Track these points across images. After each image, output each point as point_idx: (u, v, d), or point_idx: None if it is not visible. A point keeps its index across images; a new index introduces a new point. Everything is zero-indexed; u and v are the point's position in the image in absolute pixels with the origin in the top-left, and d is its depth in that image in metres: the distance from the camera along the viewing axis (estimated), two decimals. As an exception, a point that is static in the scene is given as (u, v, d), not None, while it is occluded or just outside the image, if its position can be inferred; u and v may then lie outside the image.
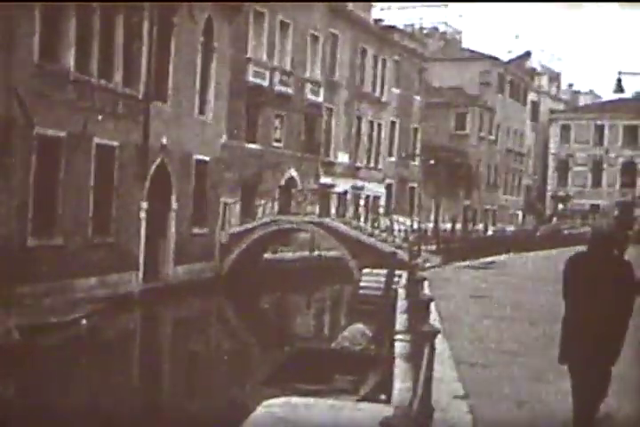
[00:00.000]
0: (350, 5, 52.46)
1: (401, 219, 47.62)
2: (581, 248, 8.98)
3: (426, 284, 19.25)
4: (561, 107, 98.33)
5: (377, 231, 40.35)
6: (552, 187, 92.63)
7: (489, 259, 37.18)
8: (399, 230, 42.80)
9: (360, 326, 20.73)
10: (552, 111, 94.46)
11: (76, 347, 21.32)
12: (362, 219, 47.13)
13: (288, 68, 44.38)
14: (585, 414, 8.45)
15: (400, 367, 10.78)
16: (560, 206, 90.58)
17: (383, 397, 11.99)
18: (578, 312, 8.46)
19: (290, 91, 44.13)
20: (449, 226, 62.78)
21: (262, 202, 41.04)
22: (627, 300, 8.39)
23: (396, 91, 59.60)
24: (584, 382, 8.42)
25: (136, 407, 17.55)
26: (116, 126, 29.22)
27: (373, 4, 59.24)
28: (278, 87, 43.02)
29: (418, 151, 64.20)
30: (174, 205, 33.34)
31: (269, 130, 43.38)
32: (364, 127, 55.20)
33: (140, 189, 30.88)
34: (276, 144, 43.94)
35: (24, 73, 24.49)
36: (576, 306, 8.49)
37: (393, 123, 59.70)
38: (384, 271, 27.01)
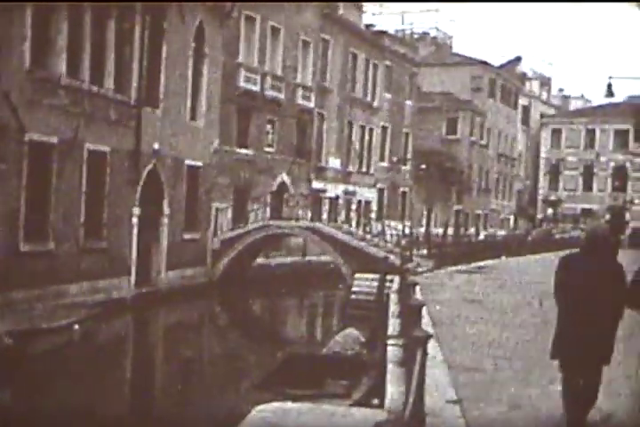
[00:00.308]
0: (341, 10, 52.55)
1: (392, 223, 47.72)
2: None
3: (418, 288, 19.31)
4: (552, 111, 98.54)
5: (369, 236, 40.39)
6: (543, 191, 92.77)
7: (481, 263, 37.22)
8: (391, 235, 42.84)
9: (352, 330, 20.74)
10: (543, 116, 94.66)
11: (68, 352, 21.30)
12: (353, 224, 47.20)
13: (279, 73, 44.42)
14: (577, 412, 8.56)
15: (392, 372, 10.79)
16: (549, 211, 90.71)
17: (376, 401, 12.01)
18: (569, 311, 8.62)
19: (281, 96, 44.15)
20: (440, 230, 62.86)
21: (254, 207, 41.06)
22: (617, 300, 8.52)
23: (387, 96, 59.67)
24: (575, 376, 8.57)
25: (129, 413, 17.56)
26: (108, 132, 29.22)
27: (364, 9, 59.40)
28: (269, 92, 43.05)
29: (409, 156, 64.30)
30: (166, 210, 33.33)
31: (261, 135, 43.39)
32: (356, 132, 55.23)
33: (131, 195, 30.87)
34: (267, 149, 43.94)
35: (15, 79, 24.50)
36: (567, 305, 8.62)
37: (384, 128, 59.75)
38: (376, 276, 27.06)
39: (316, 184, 49.18)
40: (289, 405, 9.29)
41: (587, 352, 8.55)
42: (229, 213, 39.57)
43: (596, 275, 8.52)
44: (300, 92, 46.56)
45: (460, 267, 34.60)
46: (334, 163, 52.08)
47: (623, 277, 8.64)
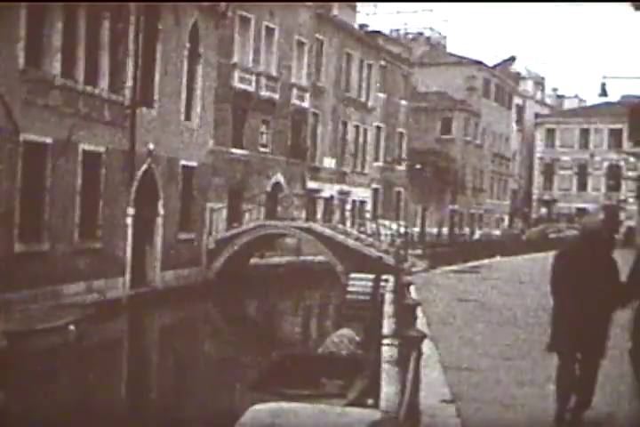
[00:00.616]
0: (335, 11, 52.57)
1: (387, 223, 47.73)
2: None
3: (412, 288, 19.32)
4: (546, 111, 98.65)
5: (363, 236, 40.39)
6: (538, 191, 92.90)
7: (475, 263, 37.20)
8: (385, 235, 42.86)
9: (347, 330, 20.75)
10: (537, 115, 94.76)
11: (63, 353, 21.28)
12: (348, 224, 47.21)
13: (274, 73, 44.43)
14: (568, 403, 8.67)
15: (387, 372, 10.81)
16: (543, 210, 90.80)
17: (371, 401, 12.02)
18: (565, 305, 8.77)
19: (276, 96, 44.16)
20: (435, 230, 62.91)
21: (249, 207, 41.06)
22: (611, 294, 8.63)
23: (381, 96, 59.73)
24: (571, 364, 8.67)
25: (124, 414, 17.55)
26: (103, 132, 29.21)
27: (358, 9, 59.47)
28: (264, 93, 43.06)
29: (404, 156, 64.35)
30: (161, 210, 33.32)
31: (256, 135, 43.39)
32: (350, 132, 55.28)
33: (126, 195, 30.87)
34: (262, 149, 43.95)
35: (9, 79, 24.47)
36: (563, 299, 8.75)
37: (379, 128, 59.81)
38: (371, 276, 27.05)
39: (311, 184, 49.21)
40: (284, 405, 9.28)
41: (582, 346, 8.66)
42: (224, 214, 39.58)
43: (591, 269, 8.65)
44: (294, 92, 46.57)
45: (454, 267, 34.60)
46: (329, 163, 52.13)
47: (617, 271, 8.78)
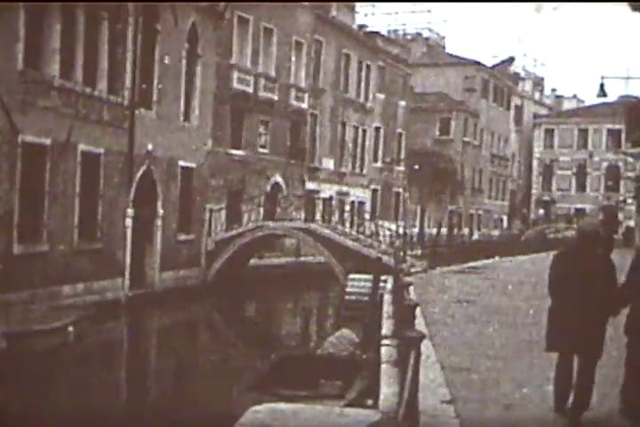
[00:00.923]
0: (334, 11, 52.56)
1: (386, 224, 47.70)
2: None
3: (411, 289, 19.32)
4: (545, 111, 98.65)
5: (362, 237, 40.37)
6: (537, 191, 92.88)
7: (474, 263, 37.16)
8: (384, 236, 42.84)
9: (346, 331, 20.75)
10: (536, 116, 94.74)
11: (62, 354, 21.28)
12: (347, 224, 47.17)
13: (272, 74, 44.40)
14: (566, 401, 8.72)
15: (386, 373, 10.79)
16: (541, 211, 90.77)
17: (370, 402, 12.02)
18: (562, 306, 8.83)
19: (274, 97, 44.12)
20: (434, 231, 62.88)
21: (248, 208, 41.03)
22: (607, 296, 8.65)
23: (380, 96, 59.71)
24: (569, 361, 8.73)
25: (123, 415, 17.55)
26: (102, 133, 29.21)
27: (357, 9, 59.47)
28: (263, 93, 43.02)
29: (403, 156, 64.34)
30: (160, 211, 33.32)
31: (254, 136, 43.36)
32: (349, 133, 55.25)
33: (125, 196, 30.87)
34: (261, 150, 43.92)
35: (8, 80, 24.48)
36: (561, 300, 8.80)
37: (377, 128, 59.79)
38: (370, 277, 27.04)
39: (310, 185, 49.20)
40: (283, 406, 9.29)
41: (578, 346, 8.70)
42: (223, 214, 39.55)
43: (589, 270, 8.71)
44: (293, 93, 46.54)
45: (453, 267, 34.58)
46: (328, 164, 52.08)
47: (614, 272, 8.82)
